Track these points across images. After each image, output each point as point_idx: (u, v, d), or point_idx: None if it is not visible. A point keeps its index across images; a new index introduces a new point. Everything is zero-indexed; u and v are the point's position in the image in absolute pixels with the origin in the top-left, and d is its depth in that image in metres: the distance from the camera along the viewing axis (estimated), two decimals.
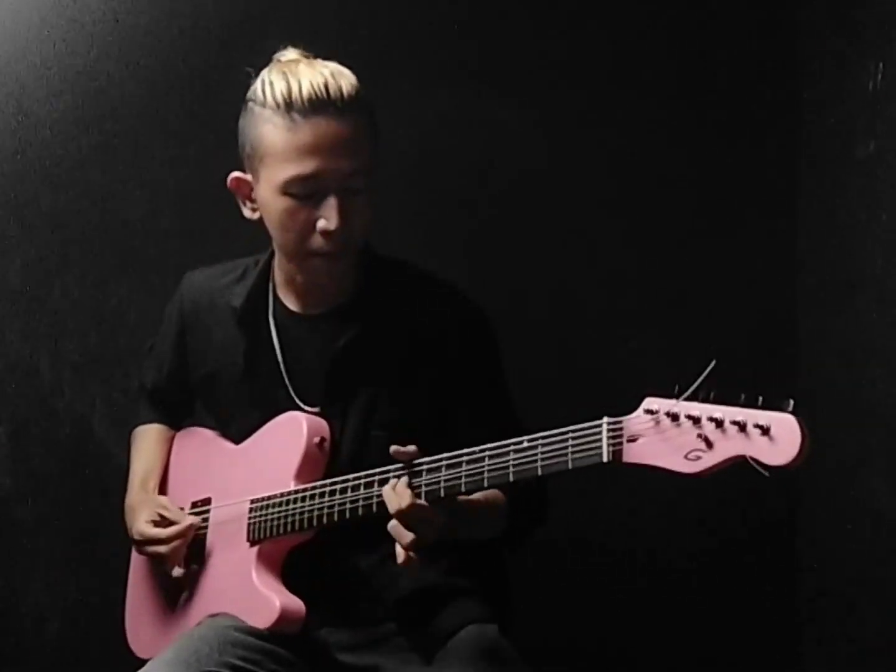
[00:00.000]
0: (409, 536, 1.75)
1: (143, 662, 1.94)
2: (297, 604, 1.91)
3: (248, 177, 1.99)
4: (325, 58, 1.99)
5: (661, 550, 2.84)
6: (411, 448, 1.80)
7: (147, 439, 2.24)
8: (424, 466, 1.77)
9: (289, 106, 1.89)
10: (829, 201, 2.80)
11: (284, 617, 1.90)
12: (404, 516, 1.75)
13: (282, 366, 2.04)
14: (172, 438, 2.24)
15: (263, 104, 1.92)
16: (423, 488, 1.76)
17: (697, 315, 2.83)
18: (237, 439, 2.10)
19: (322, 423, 1.99)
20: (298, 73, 1.91)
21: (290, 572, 1.97)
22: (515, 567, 2.13)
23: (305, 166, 1.89)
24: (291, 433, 1.98)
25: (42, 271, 2.69)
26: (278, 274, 2.08)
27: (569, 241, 2.83)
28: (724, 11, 2.86)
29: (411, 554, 1.76)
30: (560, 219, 2.82)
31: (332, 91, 1.89)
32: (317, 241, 1.93)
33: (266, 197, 1.95)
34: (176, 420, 2.25)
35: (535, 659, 1.97)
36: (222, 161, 2.65)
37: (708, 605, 2.84)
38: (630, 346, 2.80)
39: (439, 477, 1.76)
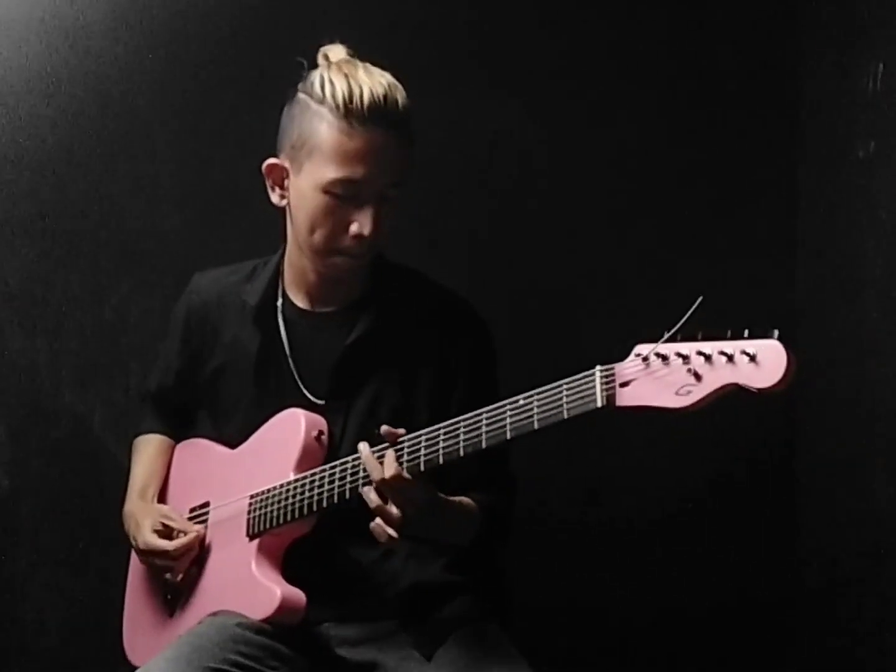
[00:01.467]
0: (396, 513, 1.78)
1: None
2: (297, 594, 1.92)
3: (286, 164, 2.00)
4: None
5: (661, 548, 2.84)
6: (400, 430, 1.83)
7: (148, 449, 2.25)
8: (423, 436, 1.79)
9: (349, 110, 1.92)
10: (829, 201, 2.80)
11: (285, 606, 1.90)
12: (386, 486, 1.78)
13: (291, 361, 2.06)
14: (173, 449, 2.25)
15: (321, 101, 1.94)
16: (422, 458, 1.78)
17: (697, 314, 2.82)
18: (238, 439, 2.10)
19: (319, 418, 2.00)
20: (360, 79, 1.94)
21: (290, 568, 1.97)
22: (515, 567, 2.13)
23: (354, 171, 1.93)
24: (290, 428, 1.99)
25: (42, 271, 2.69)
26: (288, 272, 2.10)
27: (568, 240, 2.83)
28: (725, 11, 2.86)
29: (393, 533, 1.79)
30: (560, 218, 2.82)
31: (390, 103, 1.93)
32: (346, 241, 1.97)
33: (304, 190, 1.98)
34: (177, 430, 2.25)
35: (536, 659, 1.96)
36: (224, 161, 2.69)
37: (708, 604, 2.84)
38: (629, 346, 2.79)
39: (437, 444, 1.77)
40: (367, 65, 1.99)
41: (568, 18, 2.84)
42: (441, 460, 1.77)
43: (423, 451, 1.79)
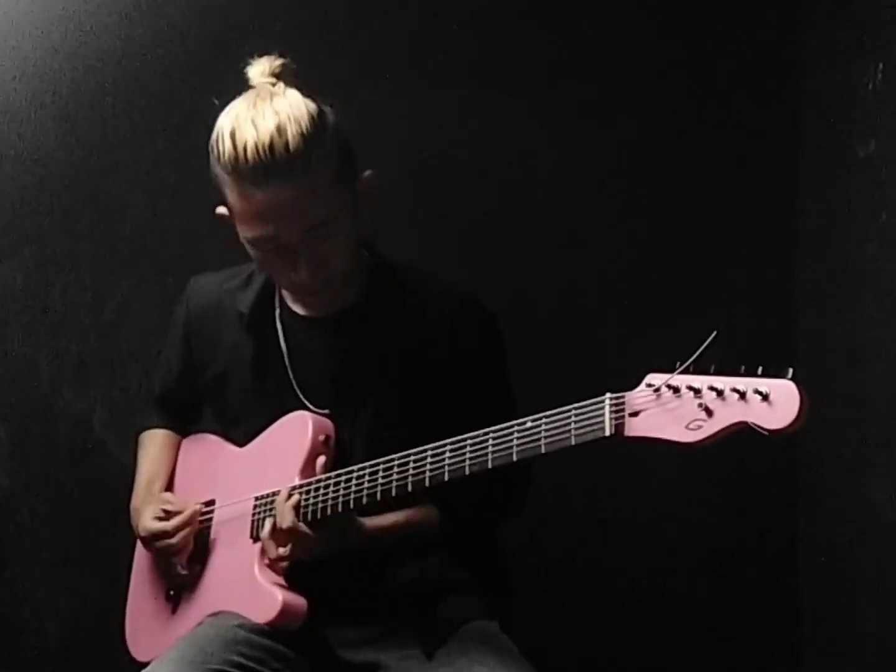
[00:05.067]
0: (275, 553, 1.89)
1: (144, 665, 1.95)
2: (298, 599, 1.91)
3: (227, 213, 1.95)
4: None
5: (661, 551, 2.84)
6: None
7: (154, 444, 2.24)
8: (429, 451, 1.78)
9: (238, 173, 1.83)
10: (829, 201, 2.80)
11: (286, 611, 1.90)
12: (281, 533, 1.85)
13: (289, 369, 2.04)
14: (179, 444, 2.24)
15: (218, 161, 1.87)
16: (428, 472, 1.78)
17: (697, 314, 2.82)
18: (243, 441, 2.10)
19: (327, 422, 1.99)
20: (244, 132, 1.81)
21: (291, 569, 1.96)
22: (515, 566, 2.13)
23: (263, 230, 1.87)
24: (297, 431, 1.98)
25: (42, 271, 2.69)
26: None
27: (568, 241, 2.83)
28: (725, 11, 2.86)
29: (276, 565, 1.89)
30: (560, 217, 2.82)
31: (277, 152, 1.80)
32: (296, 283, 1.94)
33: (243, 241, 1.94)
34: (183, 426, 2.25)
35: (535, 659, 1.97)
36: None
37: (708, 604, 2.84)
38: (630, 346, 2.79)
39: (443, 461, 1.76)
40: (269, 97, 1.85)
41: (569, 18, 2.84)
42: (446, 476, 1.76)
43: (440, 461, 1.78)
